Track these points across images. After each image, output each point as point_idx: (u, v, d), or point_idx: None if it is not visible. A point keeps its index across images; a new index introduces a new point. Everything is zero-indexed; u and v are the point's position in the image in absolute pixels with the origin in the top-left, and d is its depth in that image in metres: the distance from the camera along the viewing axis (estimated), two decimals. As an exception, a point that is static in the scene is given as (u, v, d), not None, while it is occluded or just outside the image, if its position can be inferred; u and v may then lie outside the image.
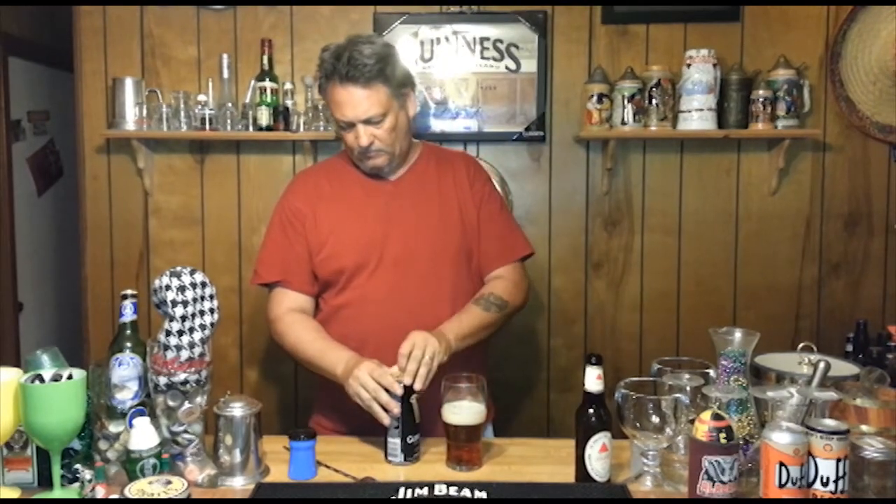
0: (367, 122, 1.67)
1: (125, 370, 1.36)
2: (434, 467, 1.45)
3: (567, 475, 1.36)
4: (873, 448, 1.21)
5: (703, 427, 1.18)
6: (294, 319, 1.74)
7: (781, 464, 1.16)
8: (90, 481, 1.26)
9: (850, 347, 2.37)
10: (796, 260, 2.61)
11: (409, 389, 1.46)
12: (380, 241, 1.73)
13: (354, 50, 1.64)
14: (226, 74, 2.51)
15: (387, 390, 1.47)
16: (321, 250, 1.75)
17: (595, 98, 2.47)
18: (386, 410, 1.47)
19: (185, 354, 1.33)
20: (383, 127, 1.68)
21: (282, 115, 2.45)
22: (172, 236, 2.63)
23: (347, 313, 1.74)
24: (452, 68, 2.54)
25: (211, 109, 2.46)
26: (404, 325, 1.59)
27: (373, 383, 1.49)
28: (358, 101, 1.65)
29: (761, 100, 2.43)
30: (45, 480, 1.31)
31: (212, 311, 1.38)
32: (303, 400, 2.65)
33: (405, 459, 1.45)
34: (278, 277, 1.78)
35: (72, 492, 1.27)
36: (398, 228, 1.74)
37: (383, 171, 1.76)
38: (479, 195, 1.82)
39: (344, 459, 1.47)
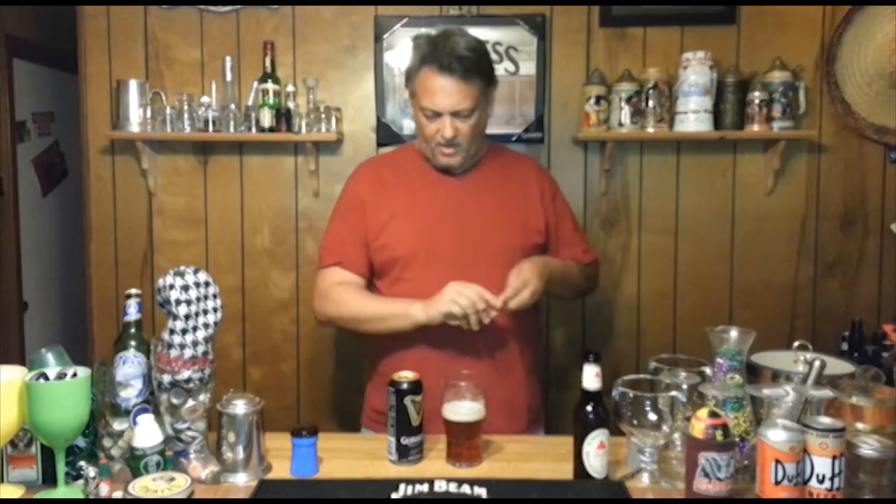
0: (456, 114, 1.68)
1: (129, 368, 1.37)
2: (434, 464, 1.46)
3: (565, 472, 1.37)
4: (869, 446, 1.21)
5: (700, 424, 1.18)
6: (347, 288, 1.77)
7: (777, 461, 1.17)
8: (94, 478, 1.26)
9: (845, 346, 2.39)
10: (792, 259, 2.63)
11: (403, 391, 1.45)
12: (437, 235, 1.73)
13: (452, 41, 1.66)
14: (229, 76, 2.52)
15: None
16: (378, 237, 1.76)
17: (593, 100, 2.48)
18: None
19: (188, 353, 1.34)
20: (469, 122, 1.70)
21: (284, 116, 2.47)
22: (176, 236, 2.65)
23: None
24: (452, 70, 2.55)
25: (214, 111, 2.48)
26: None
27: (465, 299, 1.57)
28: (453, 92, 1.66)
29: (757, 101, 2.45)
30: (49, 478, 1.32)
31: (215, 310, 1.39)
32: (305, 398, 2.67)
33: (399, 459, 1.46)
34: (334, 260, 1.80)
35: (76, 489, 1.28)
36: (457, 224, 1.75)
37: (454, 168, 1.77)
38: (547, 200, 1.84)
39: (346, 456, 1.48)
